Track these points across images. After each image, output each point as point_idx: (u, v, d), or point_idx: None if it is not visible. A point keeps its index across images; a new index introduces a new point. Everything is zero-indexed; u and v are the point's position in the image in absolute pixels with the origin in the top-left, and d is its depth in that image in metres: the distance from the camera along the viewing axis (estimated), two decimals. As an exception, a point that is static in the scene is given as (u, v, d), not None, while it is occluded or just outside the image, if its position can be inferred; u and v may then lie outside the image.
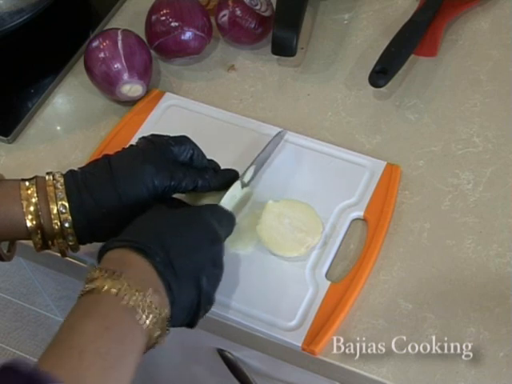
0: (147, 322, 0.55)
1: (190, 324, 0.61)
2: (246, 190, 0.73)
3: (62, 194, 0.63)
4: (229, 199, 0.69)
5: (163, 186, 0.65)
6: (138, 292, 0.55)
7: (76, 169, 0.66)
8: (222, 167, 0.72)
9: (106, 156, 0.67)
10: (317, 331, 0.66)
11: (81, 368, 0.50)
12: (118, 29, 0.83)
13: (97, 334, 0.53)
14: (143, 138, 0.69)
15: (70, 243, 0.65)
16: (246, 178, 0.73)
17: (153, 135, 0.69)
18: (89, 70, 0.83)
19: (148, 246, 0.58)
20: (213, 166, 0.71)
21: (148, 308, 0.55)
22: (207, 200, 0.71)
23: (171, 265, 0.58)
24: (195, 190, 0.68)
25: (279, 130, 0.79)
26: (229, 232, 0.67)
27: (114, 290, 0.54)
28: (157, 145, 0.67)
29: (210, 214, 0.65)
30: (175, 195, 0.68)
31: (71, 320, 0.54)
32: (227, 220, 0.67)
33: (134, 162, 0.66)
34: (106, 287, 0.55)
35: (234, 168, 0.73)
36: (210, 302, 0.62)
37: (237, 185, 0.71)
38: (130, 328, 0.54)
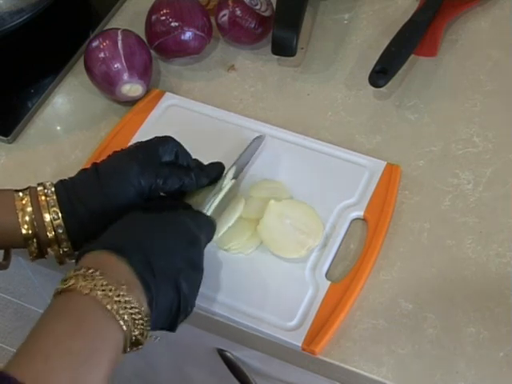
0: (122, 321, 0.54)
1: (170, 328, 0.60)
2: (230, 184, 0.72)
3: (53, 201, 0.64)
4: (209, 205, 0.69)
5: (149, 185, 0.66)
6: (111, 291, 0.54)
7: (66, 178, 0.67)
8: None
9: (94, 163, 0.68)
10: (317, 331, 0.66)
11: (46, 370, 0.50)
12: (118, 29, 0.83)
13: (67, 334, 0.52)
14: (131, 145, 0.71)
15: (65, 249, 0.66)
16: (226, 181, 0.72)
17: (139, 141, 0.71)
18: (89, 69, 0.83)
19: (125, 247, 0.58)
20: (198, 164, 0.72)
21: (122, 307, 0.54)
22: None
23: (149, 265, 0.58)
24: (182, 188, 0.68)
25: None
26: (209, 237, 0.67)
27: (86, 290, 0.54)
28: (141, 146, 0.69)
29: (189, 218, 0.64)
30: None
31: (42, 321, 0.54)
32: (207, 225, 0.67)
33: (119, 164, 0.67)
34: (78, 286, 0.54)
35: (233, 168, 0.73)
36: (190, 305, 0.61)
37: (215, 190, 0.70)
38: (104, 327, 0.54)
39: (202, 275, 0.63)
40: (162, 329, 0.60)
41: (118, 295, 0.54)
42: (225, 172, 0.72)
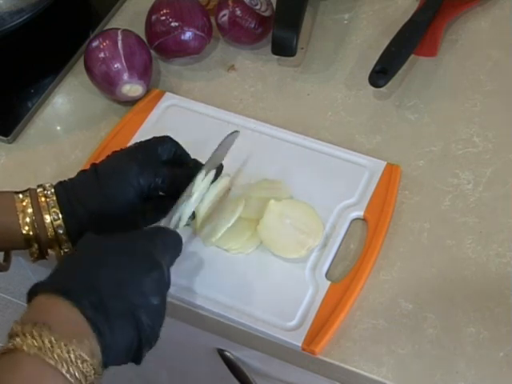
0: (73, 379, 0.51)
1: (134, 361, 0.58)
2: (206, 186, 0.70)
3: (53, 202, 0.64)
4: (177, 216, 0.66)
5: (148, 184, 0.66)
6: (60, 347, 0.51)
7: (66, 179, 0.67)
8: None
9: (93, 164, 0.68)
10: (317, 331, 0.66)
11: None
12: (118, 29, 0.83)
13: None
14: (130, 145, 0.71)
15: (66, 250, 0.66)
16: (196, 187, 0.68)
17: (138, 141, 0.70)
18: (89, 69, 0.83)
19: (74, 290, 0.54)
20: (197, 164, 0.71)
21: (73, 364, 0.51)
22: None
23: (102, 306, 0.54)
24: (181, 187, 0.68)
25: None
26: (176, 253, 0.63)
27: (33, 349, 0.50)
28: (140, 146, 0.69)
29: (147, 241, 0.61)
30: None
31: None
32: (172, 242, 0.63)
33: (118, 164, 0.67)
34: (25, 346, 0.50)
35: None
36: (154, 335, 0.58)
37: (185, 202, 0.68)
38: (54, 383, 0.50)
39: (165, 300, 0.59)
40: (125, 363, 0.58)
41: (68, 351, 0.51)
42: (195, 177, 0.68)
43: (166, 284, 0.60)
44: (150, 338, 0.57)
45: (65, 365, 0.50)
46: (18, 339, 0.51)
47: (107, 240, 0.60)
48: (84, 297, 0.54)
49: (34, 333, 0.51)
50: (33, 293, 0.56)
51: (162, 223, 0.64)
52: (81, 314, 0.53)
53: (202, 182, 0.69)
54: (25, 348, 0.50)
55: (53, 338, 0.51)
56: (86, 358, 0.51)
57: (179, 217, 0.67)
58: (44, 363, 0.50)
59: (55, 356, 0.50)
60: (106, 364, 0.54)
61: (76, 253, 0.60)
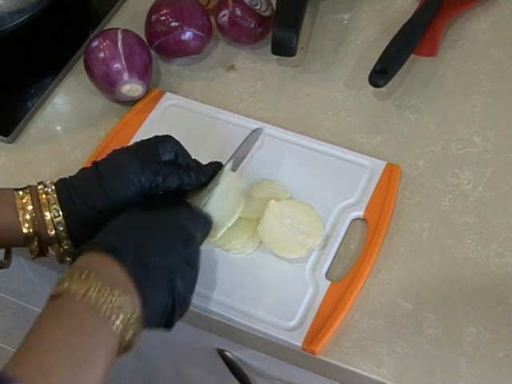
0: (117, 322, 0.54)
1: (167, 325, 0.61)
2: (229, 177, 0.71)
3: (53, 199, 0.65)
4: (206, 200, 0.69)
5: (149, 183, 0.66)
6: (105, 292, 0.54)
7: (67, 177, 0.68)
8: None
9: (94, 162, 0.68)
10: (317, 331, 0.66)
11: (45, 366, 0.50)
12: (118, 29, 0.83)
13: (63, 334, 0.53)
14: (131, 144, 0.71)
15: (66, 247, 0.66)
16: (222, 178, 0.71)
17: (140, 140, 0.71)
18: (89, 69, 0.83)
19: (119, 247, 0.58)
20: (197, 164, 0.71)
21: (117, 308, 0.54)
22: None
23: (143, 265, 0.58)
24: (181, 186, 0.68)
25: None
26: (206, 234, 0.67)
27: (81, 291, 0.54)
28: (141, 144, 0.69)
29: (185, 216, 0.65)
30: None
31: (39, 323, 0.54)
32: (203, 222, 0.67)
33: (119, 161, 0.67)
34: (73, 289, 0.54)
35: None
36: (185, 302, 0.61)
37: (213, 184, 0.70)
38: (98, 328, 0.54)
39: (197, 272, 0.63)
40: (157, 327, 0.60)
41: (113, 296, 0.55)
42: (223, 167, 0.72)
43: (199, 257, 0.63)
44: (182, 303, 0.60)
45: (110, 308, 0.54)
46: (66, 283, 0.55)
47: (149, 210, 0.64)
48: (128, 255, 0.58)
49: (82, 278, 0.55)
50: (78, 253, 0.59)
51: (195, 205, 0.68)
52: (124, 269, 0.57)
53: (228, 172, 0.71)
54: (72, 292, 0.54)
55: (99, 283, 0.55)
56: (129, 306, 0.55)
57: (206, 201, 0.69)
58: (90, 307, 0.54)
59: (100, 300, 0.54)
60: (143, 320, 0.57)
61: (118, 219, 0.63)
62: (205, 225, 0.67)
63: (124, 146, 0.70)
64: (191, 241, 0.63)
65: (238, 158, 0.74)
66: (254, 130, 0.77)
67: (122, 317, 0.54)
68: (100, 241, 0.60)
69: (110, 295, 0.54)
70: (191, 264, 0.62)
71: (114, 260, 0.57)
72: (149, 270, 0.58)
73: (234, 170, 0.73)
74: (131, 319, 0.55)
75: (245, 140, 0.75)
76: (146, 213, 0.64)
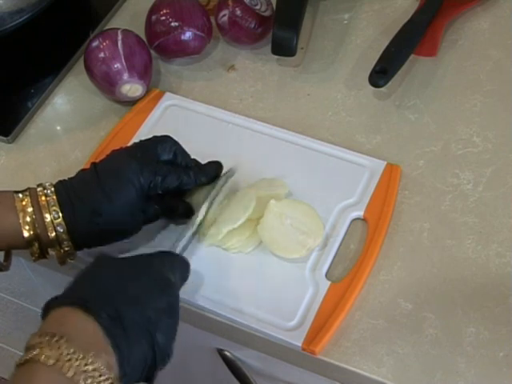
0: None
1: (147, 380, 0.58)
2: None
3: (53, 201, 0.65)
4: (183, 243, 0.68)
5: (148, 182, 0.66)
6: (78, 359, 0.51)
7: (66, 179, 0.68)
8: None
9: (93, 163, 0.68)
10: (317, 331, 0.66)
11: None
12: (118, 29, 0.83)
13: None
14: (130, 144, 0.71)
15: (66, 249, 0.66)
16: (199, 218, 0.70)
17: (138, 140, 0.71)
18: (89, 69, 0.83)
19: (92, 302, 0.55)
20: (196, 164, 0.72)
21: (91, 376, 0.51)
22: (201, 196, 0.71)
23: (119, 320, 0.55)
24: (180, 186, 0.68)
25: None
26: (185, 277, 0.65)
27: (51, 360, 0.50)
28: (140, 145, 0.69)
29: (160, 262, 0.62)
30: None
31: None
32: (180, 265, 0.65)
33: (118, 162, 0.67)
34: (43, 356, 0.50)
35: (233, 169, 0.74)
36: (167, 354, 0.58)
37: (190, 230, 0.70)
38: None
39: (177, 321, 0.60)
40: (137, 382, 0.57)
41: (86, 364, 0.51)
42: (198, 209, 0.70)
43: (178, 304, 0.61)
44: (164, 355, 0.58)
45: (82, 377, 0.50)
46: (35, 351, 0.51)
47: (120, 260, 0.62)
48: (102, 309, 0.54)
49: (52, 344, 0.51)
50: (48, 307, 0.56)
51: (170, 248, 0.67)
52: (98, 326, 0.54)
53: (205, 211, 0.70)
54: (43, 359, 0.50)
55: (71, 350, 0.51)
56: (104, 370, 0.51)
57: (186, 243, 0.68)
58: (62, 375, 0.50)
59: (73, 367, 0.50)
60: (121, 379, 0.54)
61: (89, 270, 0.60)
62: (183, 267, 0.65)
63: (124, 146, 0.71)
64: (169, 289, 0.60)
65: (214, 192, 0.72)
66: (225, 173, 0.74)
67: (97, 381, 0.51)
68: (72, 293, 0.57)
69: (83, 363, 0.51)
70: (170, 313, 0.59)
71: (87, 317, 0.54)
72: (125, 325, 0.55)
73: (231, 175, 0.73)
74: (108, 382, 0.51)
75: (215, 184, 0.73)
76: (119, 263, 0.61)
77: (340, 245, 0.71)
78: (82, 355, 0.51)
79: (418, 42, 0.84)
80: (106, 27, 0.92)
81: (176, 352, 0.90)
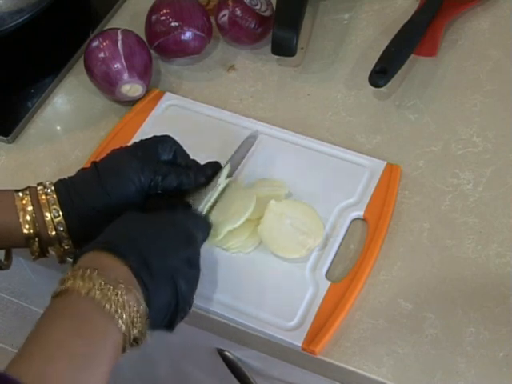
0: (121, 320, 0.54)
1: (169, 326, 0.61)
2: (225, 182, 0.71)
3: (53, 200, 0.65)
4: (204, 204, 0.69)
5: (149, 181, 0.66)
6: (109, 290, 0.54)
7: (66, 177, 0.68)
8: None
9: (93, 162, 0.68)
10: (317, 331, 0.66)
11: (48, 371, 0.50)
12: (118, 29, 0.83)
13: (67, 335, 0.53)
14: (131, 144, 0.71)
15: (66, 247, 0.66)
16: (222, 178, 0.71)
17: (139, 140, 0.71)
18: (89, 69, 0.83)
19: (122, 247, 0.58)
20: (196, 164, 0.72)
21: (121, 306, 0.54)
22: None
23: (146, 264, 0.58)
24: (180, 186, 0.68)
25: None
26: (206, 236, 0.67)
27: (84, 290, 0.54)
28: (140, 144, 0.70)
29: (186, 217, 0.66)
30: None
31: (42, 323, 0.54)
32: (203, 224, 0.67)
33: (119, 161, 0.67)
34: (76, 287, 0.54)
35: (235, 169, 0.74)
36: (188, 303, 0.61)
37: (210, 188, 0.70)
38: (103, 327, 0.54)
39: (199, 273, 0.63)
40: (159, 327, 0.60)
41: (117, 294, 0.54)
42: (221, 170, 0.72)
43: (199, 258, 0.63)
44: (184, 304, 0.60)
45: (113, 306, 0.54)
46: (69, 282, 0.55)
47: (149, 213, 0.64)
48: (131, 253, 0.58)
49: (85, 276, 0.55)
50: (81, 253, 0.59)
51: (194, 207, 0.68)
52: (128, 268, 0.57)
53: (225, 177, 0.71)
54: (76, 288, 0.54)
55: (102, 282, 0.55)
56: (134, 303, 0.55)
57: (205, 205, 0.69)
58: (94, 303, 0.54)
59: (105, 297, 0.54)
60: (147, 317, 0.57)
61: (118, 222, 0.62)
62: (204, 227, 0.67)
63: (123, 145, 0.71)
64: (192, 242, 0.63)
65: (234, 163, 0.74)
66: (249, 135, 0.77)
67: (126, 315, 0.54)
68: (102, 240, 0.60)
69: (114, 294, 0.54)
70: (193, 265, 0.62)
71: (117, 259, 0.57)
72: (152, 269, 0.58)
73: (230, 175, 0.72)
74: (135, 317, 0.55)
75: (241, 145, 0.76)
76: (148, 214, 0.64)
77: (340, 245, 0.71)
78: (112, 288, 0.54)
79: (417, 42, 0.84)
80: (106, 27, 0.92)
81: (176, 352, 0.90)
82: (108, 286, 0.54)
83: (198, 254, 0.64)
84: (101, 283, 0.54)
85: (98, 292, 0.54)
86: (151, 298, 0.57)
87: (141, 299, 0.56)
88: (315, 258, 0.70)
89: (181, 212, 0.67)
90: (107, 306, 0.54)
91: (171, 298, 0.59)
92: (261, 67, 0.88)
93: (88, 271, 0.55)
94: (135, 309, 0.55)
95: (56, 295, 0.55)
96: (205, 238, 0.67)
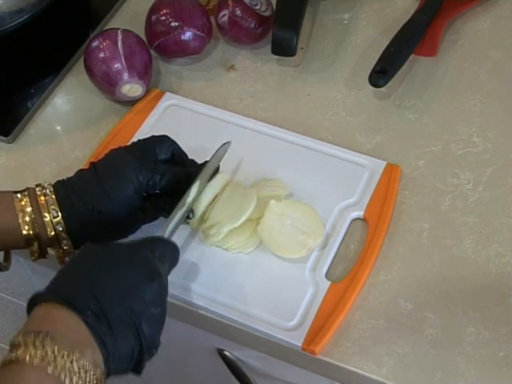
0: None
1: (135, 371, 0.57)
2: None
3: (52, 200, 0.65)
4: (173, 226, 0.67)
5: (147, 180, 0.66)
6: (64, 357, 0.50)
7: (65, 178, 0.68)
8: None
9: (92, 162, 0.68)
10: (317, 331, 0.66)
11: None
12: (118, 29, 0.83)
13: None
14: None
15: (65, 248, 0.66)
16: (190, 198, 0.69)
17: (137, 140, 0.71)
18: (89, 69, 0.83)
19: (76, 299, 0.54)
20: (194, 164, 0.72)
21: (76, 374, 0.50)
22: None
23: (104, 316, 0.54)
24: (178, 186, 0.68)
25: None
26: (174, 263, 0.64)
27: (36, 360, 0.50)
28: (138, 144, 0.70)
29: (149, 250, 0.61)
30: None
31: None
32: (170, 251, 0.63)
33: (117, 160, 0.67)
34: (28, 357, 0.50)
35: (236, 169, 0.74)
36: (154, 346, 0.58)
37: (180, 211, 0.68)
38: None
39: (165, 311, 0.59)
40: (125, 373, 0.57)
41: (72, 361, 0.50)
42: (189, 188, 0.69)
43: (165, 293, 0.60)
44: (150, 347, 0.57)
45: (68, 375, 0.50)
46: (20, 350, 0.51)
47: (107, 248, 0.60)
48: (86, 305, 0.54)
49: (37, 343, 0.51)
50: (33, 303, 0.56)
51: (159, 233, 0.65)
52: (83, 323, 0.53)
53: (195, 192, 0.69)
54: (27, 358, 0.50)
55: (56, 348, 0.50)
56: (89, 367, 0.51)
57: (174, 226, 0.67)
58: (47, 374, 0.49)
59: (58, 366, 0.50)
60: (108, 374, 0.54)
61: (75, 261, 0.60)
62: (172, 255, 0.63)
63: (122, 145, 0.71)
64: (157, 276, 0.59)
65: (204, 178, 0.70)
66: (222, 144, 0.74)
67: (83, 379, 0.50)
68: (55, 289, 0.57)
69: (68, 361, 0.50)
70: (157, 303, 0.58)
71: (72, 314, 0.53)
72: (110, 320, 0.54)
73: (200, 190, 0.70)
74: (93, 378, 0.51)
75: (213, 155, 0.72)
76: (106, 253, 0.60)
77: (340, 245, 0.71)
78: (67, 353, 0.50)
79: (417, 42, 0.84)
80: (106, 27, 0.92)
81: (176, 352, 0.90)
82: (62, 352, 0.50)
83: (163, 288, 0.59)
84: (54, 350, 0.50)
85: (51, 362, 0.50)
86: (110, 352, 0.54)
87: (98, 359, 0.52)
88: (315, 258, 0.70)
89: (140, 245, 0.62)
90: (62, 375, 0.50)
91: (134, 345, 0.56)
92: (261, 67, 0.88)
93: (40, 337, 0.51)
94: (91, 373, 0.51)
95: (6, 363, 0.51)
96: (174, 263, 0.64)
